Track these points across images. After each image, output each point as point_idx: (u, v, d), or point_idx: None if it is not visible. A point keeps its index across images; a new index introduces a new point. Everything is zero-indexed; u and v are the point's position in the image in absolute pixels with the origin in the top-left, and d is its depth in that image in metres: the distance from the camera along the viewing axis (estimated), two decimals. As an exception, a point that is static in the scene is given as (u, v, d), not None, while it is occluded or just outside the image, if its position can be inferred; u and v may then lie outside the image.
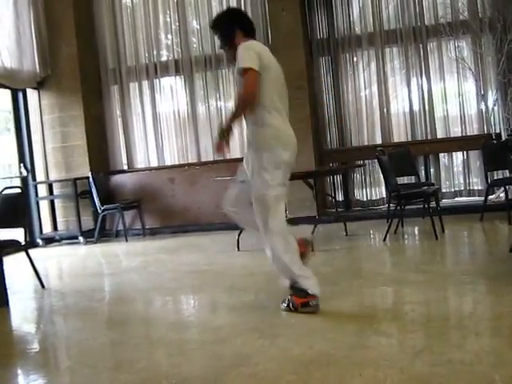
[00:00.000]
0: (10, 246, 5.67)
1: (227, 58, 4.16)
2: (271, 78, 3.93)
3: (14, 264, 6.29)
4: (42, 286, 5.65)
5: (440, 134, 8.41)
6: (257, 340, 3.48)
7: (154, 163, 9.33)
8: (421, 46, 8.39)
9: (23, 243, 5.70)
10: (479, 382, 2.65)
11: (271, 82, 3.92)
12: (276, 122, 3.94)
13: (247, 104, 3.85)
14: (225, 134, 3.88)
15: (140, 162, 9.45)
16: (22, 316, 4.96)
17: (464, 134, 8.32)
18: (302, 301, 3.90)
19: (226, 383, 2.87)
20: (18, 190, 6.01)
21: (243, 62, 3.80)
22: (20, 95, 8.89)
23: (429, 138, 8.41)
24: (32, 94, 9.01)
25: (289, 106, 4.12)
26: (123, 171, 9.35)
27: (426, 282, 4.55)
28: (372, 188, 8.72)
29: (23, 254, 5.68)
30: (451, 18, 8.27)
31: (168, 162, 9.29)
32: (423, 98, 8.45)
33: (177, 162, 9.23)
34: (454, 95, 8.43)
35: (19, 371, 3.58)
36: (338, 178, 8.79)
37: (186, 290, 5.25)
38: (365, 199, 8.71)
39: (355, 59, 8.72)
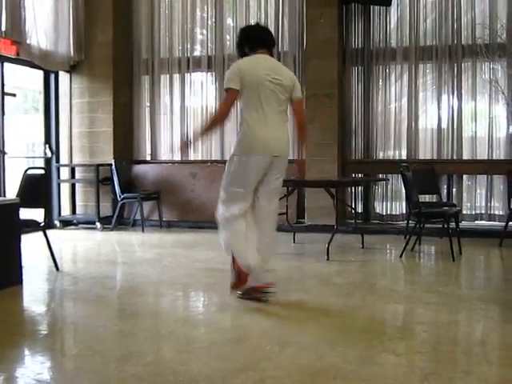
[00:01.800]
0: (29, 226, 5.73)
1: None
2: (254, 90, 4.39)
3: (31, 243, 6.35)
4: (57, 269, 5.70)
5: (466, 155, 8.34)
6: (266, 345, 3.48)
7: (177, 157, 9.36)
8: (455, 64, 8.32)
9: (42, 224, 5.77)
10: (487, 412, 2.62)
11: (255, 90, 4.39)
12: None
13: (218, 122, 4.59)
14: (193, 140, 4.74)
15: (163, 154, 9.49)
16: (35, 297, 5.00)
17: (490, 158, 8.24)
18: None
19: (232, 386, 2.87)
20: (42, 172, 6.07)
21: (224, 83, 4.46)
22: (52, 77, 8.98)
23: (454, 157, 8.34)
24: (64, 77, 9.09)
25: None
26: (146, 162, 9.40)
27: (440, 303, 4.52)
28: (392, 202, 8.68)
29: (41, 234, 5.73)
30: (489, 39, 8.19)
31: (191, 157, 9.32)
32: (452, 117, 8.38)
33: (200, 158, 9.26)
34: (484, 117, 8.36)
35: (27, 352, 3.61)
36: (359, 190, 8.75)
37: (199, 288, 5.26)
38: (384, 213, 8.67)
39: (388, 72, 8.68)
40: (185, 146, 4.68)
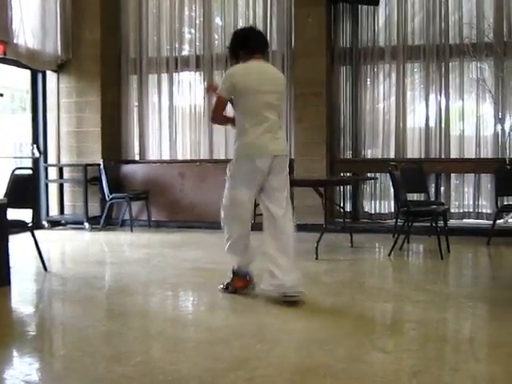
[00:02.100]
0: (17, 226, 5.70)
1: None
2: (251, 98, 4.46)
3: (19, 244, 6.31)
4: (45, 269, 5.67)
5: (454, 154, 8.38)
6: (256, 344, 3.48)
7: (166, 156, 9.35)
8: (443, 64, 8.36)
9: (30, 224, 5.74)
10: (475, 409, 2.64)
11: (249, 95, 4.45)
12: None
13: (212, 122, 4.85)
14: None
15: (152, 154, 9.47)
16: (23, 297, 4.98)
17: (478, 156, 8.29)
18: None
19: (221, 385, 2.87)
20: (29, 172, 6.04)
21: (219, 89, 4.53)
22: (39, 76, 8.94)
23: (442, 156, 8.38)
24: (51, 77, 9.05)
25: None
26: (134, 161, 9.38)
27: (428, 301, 4.54)
28: (381, 201, 8.71)
29: (28, 234, 5.70)
30: (476, 39, 8.24)
31: (180, 157, 9.31)
32: (440, 116, 8.42)
33: (189, 157, 9.25)
34: (472, 116, 8.40)
35: (15, 353, 3.59)
36: (348, 189, 8.78)
37: (188, 287, 5.26)
38: (373, 212, 8.70)
39: (376, 71, 8.71)
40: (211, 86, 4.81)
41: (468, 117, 8.43)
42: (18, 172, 5.86)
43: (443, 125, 8.41)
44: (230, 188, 4.58)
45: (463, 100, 8.40)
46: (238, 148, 4.54)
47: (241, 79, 4.47)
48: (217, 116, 4.62)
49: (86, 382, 2.94)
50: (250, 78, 4.49)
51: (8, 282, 5.06)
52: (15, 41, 7.87)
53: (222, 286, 4.81)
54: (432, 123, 8.47)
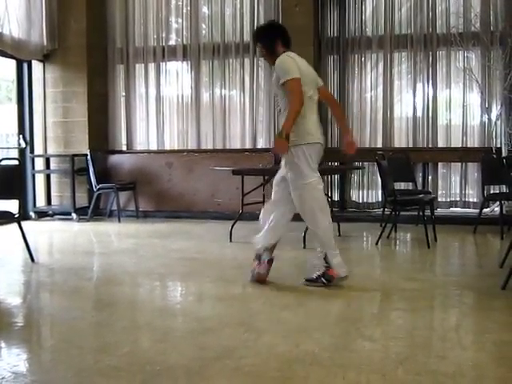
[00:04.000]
0: (3, 217, 5.67)
1: (269, 63, 4.85)
2: (306, 82, 4.49)
3: (5, 235, 6.28)
4: (32, 260, 5.65)
5: (441, 143, 8.43)
6: (243, 334, 3.49)
7: (154, 146, 9.33)
8: (430, 53, 8.39)
9: (16, 215, 5.71)
10: (460, 396, 2.67)
11: (307, 85, 4.49)
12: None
13: (299, 111, 4.35)
14: (284, 135, 4.31)
15: (139, 144, 9.45)
16: (10, 288, 4.95)
17: (465, 146, 8.34)
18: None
19: (209, 375, 2.88)
20: (16, 162, 6.01)
21: (289, 74, 4.40)
22: (25, 66, 8.86)
23: (430, 146, 8.43)
24: (37, 67, 8.98)
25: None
26: (122, 152, 9.35)
27: (415, 290, 4.57)
28: (368, 190, 8.74)
29: (15, 226, 5.67)
30: (463, 28, 8.27)
31: (167, 147, 9.29)
32: (427, 106, 8.46)
33: (176, 147, 9.23)
34: (458, 105, 8.46)
35: (2, 344, 3.57)
36: (335, 178, 8.80)
37: (175, 277, 5.26)
38: (360, 201, 8.73)
39: (363, 60, 8.71)
40: (283, 144, 4.34)
41: (455, 106, 8.48)
42: (4, 163, 5.82)
43: (430, 114, 8.44)
44: (301, 176, 4.54)
45: (450, 89, 8.45)
46: (300, 134, 4.45)
47: (300, 64, 4.51)
48: (302, 100, 4.39)
49: (73, 373, 2.93)
50: (304, 67, 4.58)
51: (-5, 274, 5.05)
52: (0, 30, 7.79)
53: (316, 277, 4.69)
54: (419, 112, 8.51)
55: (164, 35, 9.32)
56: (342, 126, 5.28)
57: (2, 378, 2.87)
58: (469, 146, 8.34)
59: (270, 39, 4.69)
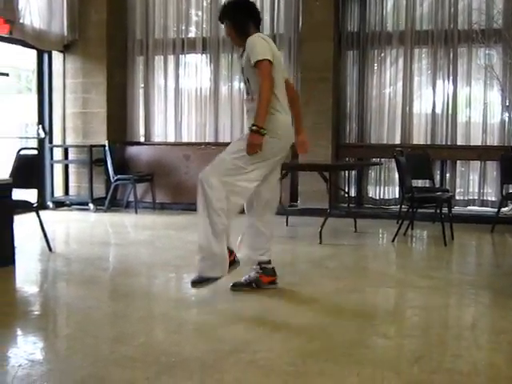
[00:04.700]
0: (22, 206, 5.72)
1: (236, 44, 4.48)
2: (277, 70, 4.09)
3: (24, 224, 6.33)
4: (50, 249, 5.69)
5: (460, 141, 8.35)
6: (257, 328, 3.50)
7: (171, 138, 9.35)
8: (451, 49, 8.30)
9: (35, 205, 5.76)
10: (476, 395, 2.65)
11: (278, 72, 4.09)
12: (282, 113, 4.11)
13: (271, 94, 3.93)
14: (261, 130, 3.86)
15: (157, 136, 9.46)
16: (27, 277, 5.01)
17: (484, 144, 8.26)
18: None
19: (224, 368, 2.89)
20: (35, 152, 6.05)
21: (261, 54, 3.92)
22: (45, 57, 8.91)
23: (448, 143, 8.35)
24: (57, 57, 9.02)
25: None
26: (140, 143, 9.38)
27: (431, 288, 4.55)
28: (385, 187, 8.70)
29: (33, 215, 5.72)
30: (485, 25, 8.17)
31: (185, 139, 9.30)
32: (447, 102, 8.37)
33: (194, 140, 9.24)
34: (479, 103, 8.36)
35: (19, 332, 3.61)
36: (353, 174, 8.77)
37: (192, 269, 5.20)
38: (377, 197, 8.69)
39: (383, 56, 8.66)
40: (259, 139, 3.86)
41: (475, 103, 8.39)
42: (23, 152, 5.86)
43: (450, 111, 8.36)
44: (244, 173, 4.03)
45: (470, 86, 8.36)
46: (272, 127, 3.96)
47: (273, 47, 4.08)
48: (273, 81, 3.94)
49: (89, 362, 2.96)
50: (275, 49, 4.13)
51: (13, 262, 5.09)
52: (21, 20, 7.84)
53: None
54: (439, 109, 8.43)
55: (184, 27, 9.33)
56: (297, 124, 4.49)
57: (19, 366, 2.90)
58: (488, 144, 8.25)
59: (242, 20, 4.16)
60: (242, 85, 4.35)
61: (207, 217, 3.95)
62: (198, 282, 4.10)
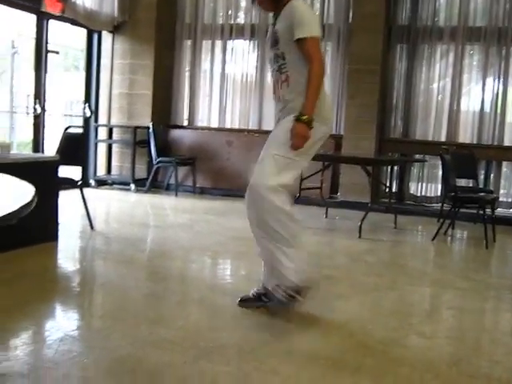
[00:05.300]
0: (67, 183, 5.81)
1: (266, 8, 3.71)
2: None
3: (66, 201, 6.44)
4: (91, 227, 5.77)
5: (507, 142, 8.17)
6: (296, 319, 3.49)
7: (215, 124, 9.37)
8: (504, 47, 8.11)
9: (79, 182, 5.85)
10: (515, 403, 2.61)
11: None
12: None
13: (322, 79, 3.42)
14: (311, 122, 3.35)
15: (201, 120, 9.50)
16: (69, 254, 5.11)
17: (532, 146, 8.08)
18: None
19: (261, 357, 2.89)
20: (82, 131, 6.13)
21: (313, 30, 3.36)
22: (95, 37, 9.01)
23: (495, 143, 8.18)
24: (107, 37, 9.11)
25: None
26: (183, 127, 9.43)
27: (471, 290, 4.48)
28: (427, 184, 8.58)
29: (75, 192, 5.81)
30: (541, 24, 7.97)
31: (228, 125, 9.31)
32: (496, 101, 8.19)
33: (237, 126, 9.25)
34: (528, 103, 8.18)
35: (61, 308, 3.69)
36: (395, 169, 8.66)
37: (231, 256, 5.30)
38: (419, 194, 8.58)
39: (433, 50, 8.51)
40: (307, 132, 3.35)
41: (525, 104, 8.20)
42: (70, 130, 5.95)
43: (498, 110, 8.18)
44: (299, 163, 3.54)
45: (521, 87, 8.17)
46: (319, 111, 3.41)
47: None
48: (324, 68, 3.46)
49: (127, 342, 3.00)
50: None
51: (56, 238, 5.19)
52: (73, 0, 7.93)
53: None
54: (487, 108, 8.26)
55: (233, 13, 9.31)
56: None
57: (61, 341, 2.96)
58: (536, 145, 8.08)
59: None
60: (271, 61, 3.57)
61: (267, 231, 3.45)
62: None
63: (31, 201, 1.66)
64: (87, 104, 8.99)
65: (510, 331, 3.72)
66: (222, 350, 2.97)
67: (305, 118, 3.34)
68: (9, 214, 1.46)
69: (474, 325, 3.80)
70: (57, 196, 5.24)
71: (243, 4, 9.41)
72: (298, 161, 3.48)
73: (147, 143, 8.82)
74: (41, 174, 4.66)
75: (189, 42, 9.41)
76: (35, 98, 7.73)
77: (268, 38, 3.59)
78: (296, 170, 3.55)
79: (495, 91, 8.22)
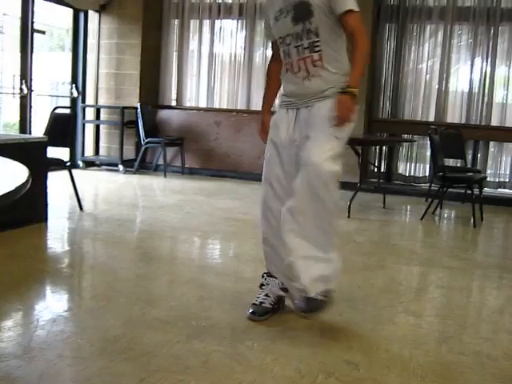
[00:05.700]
0: (56, 164, 5.78)
1: None
2: None
3: (54, 182, 6.41)
4: (80, 208, 5.76)
5: (495, 122, 8.21)
6: (286, 299, 3.50)
7: (203, 104, 9.33)
8: (492, 27, 8.12)
9: (68, 163, 5.82)
10: (504, 379, 2.65)
11: None
12: None
13: (366, 52, 3.08)
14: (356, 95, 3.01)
15: (188, 101, 9.45)
16: (59, 235, 5.09)
17: (519, 125, 8.13)
18: None
19: (254, 335, 2.92)
20: (69, 111, 6.09)
21: (354, 3, 3.00)
22: (81, 16, 8.91)
23: (483, 123, 8.22)
24: (93, 17, 9.02)
25: None
26: (171, 107, 9.37)
27: (460, 268, 4.53)
28: (416, 164, 8.62)
29: (64, 173, 5.79)
30: (529, 4, 7.98)
31: (216, 105, 9.28)
32: (484, 82, 8.21)
33: (225, 107, 9.21)
34: (517, 84, 8.21)
35: (53, 289, 3.68)
36: (384, 149, 8.69)
37: (221, 236, 5.31)
38: (407, 174, 8.62)
39: (421, 30, 8.49)
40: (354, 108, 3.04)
41: (513, 84, 8.23)
42: (58, 111, 5.91)
43: (486, 91, 8.21)
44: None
45: (509, 67, 8.18)
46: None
47: None
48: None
49: (121, 322, 3.01)
50: None
51: (45, 219, 5.17)
52: (60, -22, 7.85)
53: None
54: (475, 88, 8.28)
55: (221, -8, 9.25)
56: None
57: (54, 322, 2.97)
58: (523, 125, 8.12)
59: None
60: (293, 37, 3.10)
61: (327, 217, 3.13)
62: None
63: (26, 181, 1.65)
64: (74, 84, 8.92)
65: (498, 309, 3.76)
66: (215, 329, 2.99)
67: (352, 89, 2.97)
68: (6, 193, 1.46)
69: (462, 303, 3.84)
70: (46, 177, 5.21)
71: (231, -17, 9.33)
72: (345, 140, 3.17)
73: (135, 124, 8.78)
74: (30, 155, 4.64)
75: (176, 22, 9.33)
76: (21, 79, 7.66)
77: (286, 11, 3.08)
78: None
79: (483, 71, 8.23)
